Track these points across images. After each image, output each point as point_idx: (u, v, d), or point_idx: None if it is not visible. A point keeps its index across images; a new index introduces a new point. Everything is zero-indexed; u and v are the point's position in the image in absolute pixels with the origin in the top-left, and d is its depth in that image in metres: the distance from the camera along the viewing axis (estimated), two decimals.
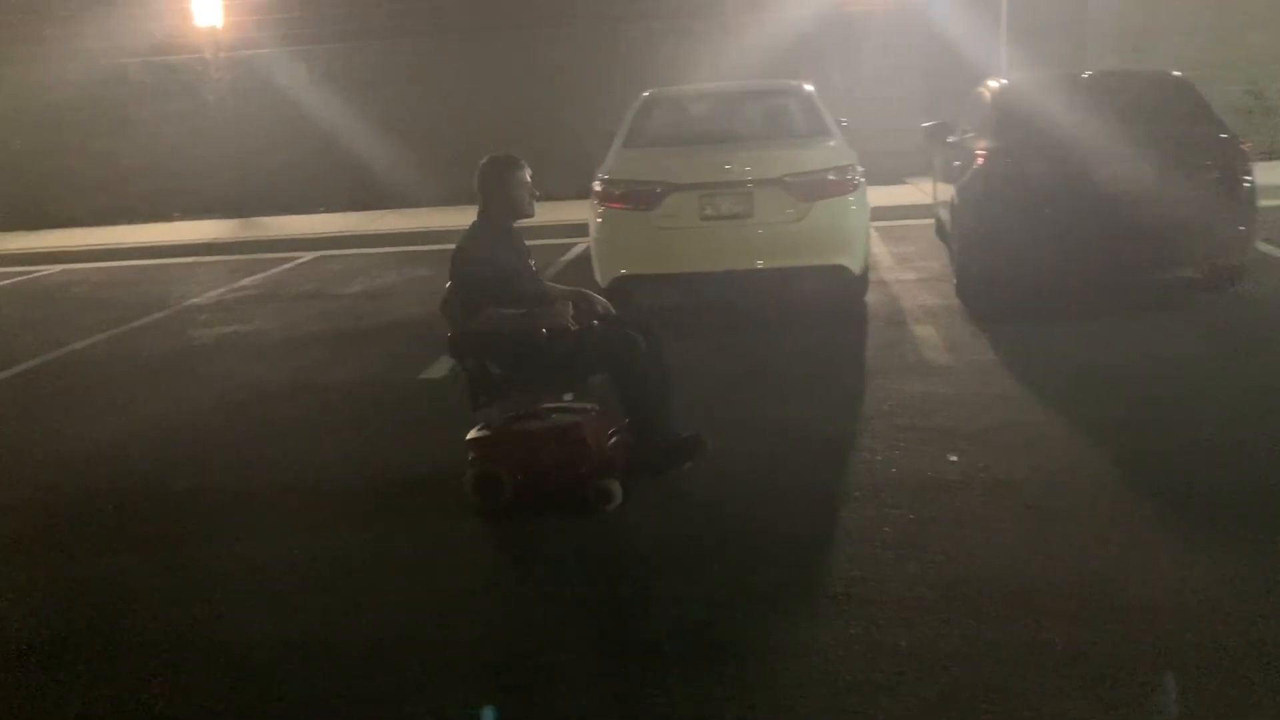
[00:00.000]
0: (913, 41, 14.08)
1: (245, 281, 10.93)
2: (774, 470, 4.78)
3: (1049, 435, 4.98)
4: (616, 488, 4.38)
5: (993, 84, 8.33)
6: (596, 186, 7.40)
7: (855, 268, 7.20)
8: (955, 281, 7.98)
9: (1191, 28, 13.37)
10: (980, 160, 7.37)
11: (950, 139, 8.98)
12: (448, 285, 4.66)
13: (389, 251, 12.29)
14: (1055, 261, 7.15)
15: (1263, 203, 9.88)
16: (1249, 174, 7.03)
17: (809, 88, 8.37)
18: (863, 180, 7.29)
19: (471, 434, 4.56)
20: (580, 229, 8.48)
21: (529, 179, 4.63)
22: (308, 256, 12.34)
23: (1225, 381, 5.64)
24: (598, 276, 7.48)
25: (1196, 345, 6.33)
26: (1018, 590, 3.53)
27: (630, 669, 3.26)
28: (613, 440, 4.60)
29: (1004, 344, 6.52)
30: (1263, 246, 8.45)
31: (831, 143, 7.59)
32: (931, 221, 10.35)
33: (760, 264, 7.10)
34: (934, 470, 4.60)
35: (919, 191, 12.23)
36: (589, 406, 4.67)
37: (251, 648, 3.52)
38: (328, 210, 15.11)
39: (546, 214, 12.52)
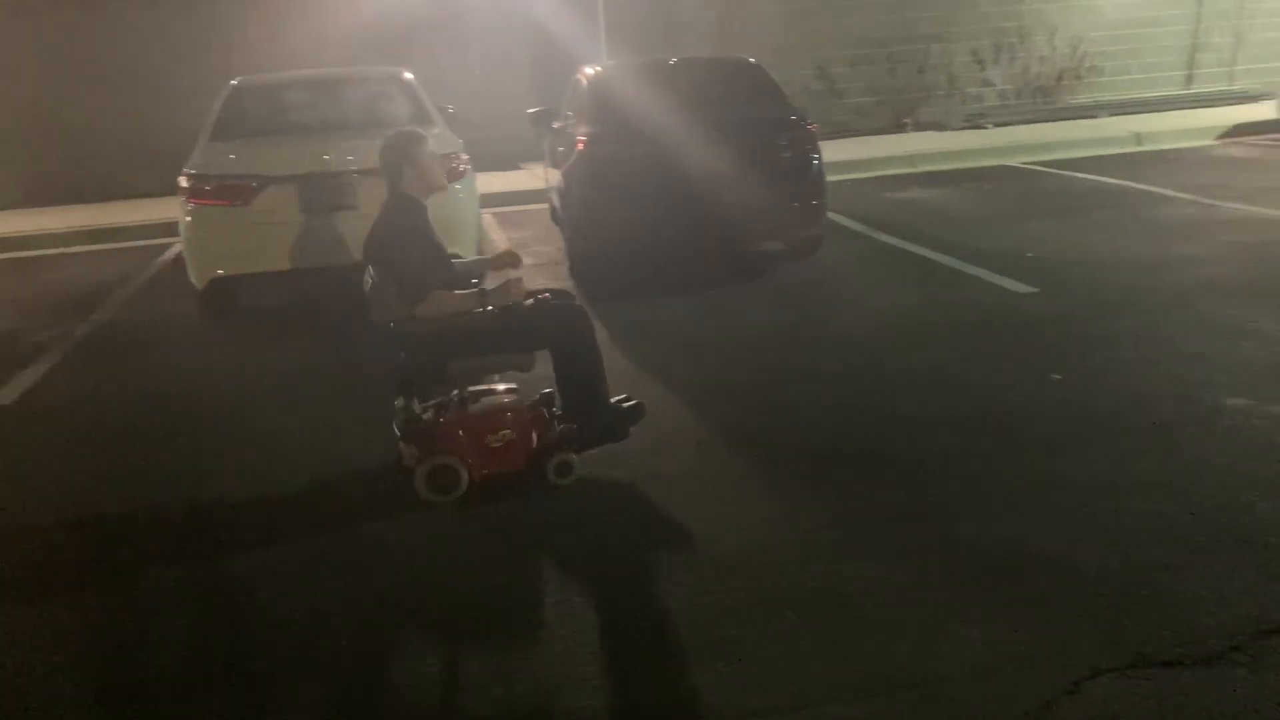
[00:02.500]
0: (520, 28, 14.24)
1: None
2: (381, 471, 4.66)
3: (656, 404, 5.19)
4: (576, 460, 4.27)
5: (588, 71, 8.57)
6: (183, 182, 6.89)
7: (467, 255, 7.16)
8: (568, 264, 8.17)
9: (767, 15, 14.46)
10: (580, 145, 7.56)
11: (555, 124, 9.17)
12: (368, 273, 4.33)
13: None
14: (653, 240, 7.49)
15: (833, 177, 10.98)
16: (817, 152, 7.69)
17: (409, 75, 8.23)
18: (469, 167, 7.27)
19: (411, 427, 4.26)
20: (175, 228, 7.87)
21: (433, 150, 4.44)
22: None
23: (806, 342, 6.15)
24: (193, 279, 6.98)
25: (782, 311, 6.85)
26: (641, 555, 3.66)
27: None
28: (556, 414, 4.45)
29: (614, 322, 6.75)
30: (835, 217, 9.31)
31: (435, 130, 7.49)
32: (547, 205, 10.55)
33: None
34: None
35: (534, 176, 12.42)
36: (513, 385, 4.46)
37: None
38: None
39: (135, 213, 11.76)
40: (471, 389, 4.41)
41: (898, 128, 14.96)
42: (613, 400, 4.52)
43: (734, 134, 7.39)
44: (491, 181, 12.39)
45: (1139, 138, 12.81)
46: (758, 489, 4.22)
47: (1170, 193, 9.62)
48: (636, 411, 4.53)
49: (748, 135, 7.46)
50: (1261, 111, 13.35)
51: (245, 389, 5.94)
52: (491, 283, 4.50)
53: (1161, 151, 12.26)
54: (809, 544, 3.72)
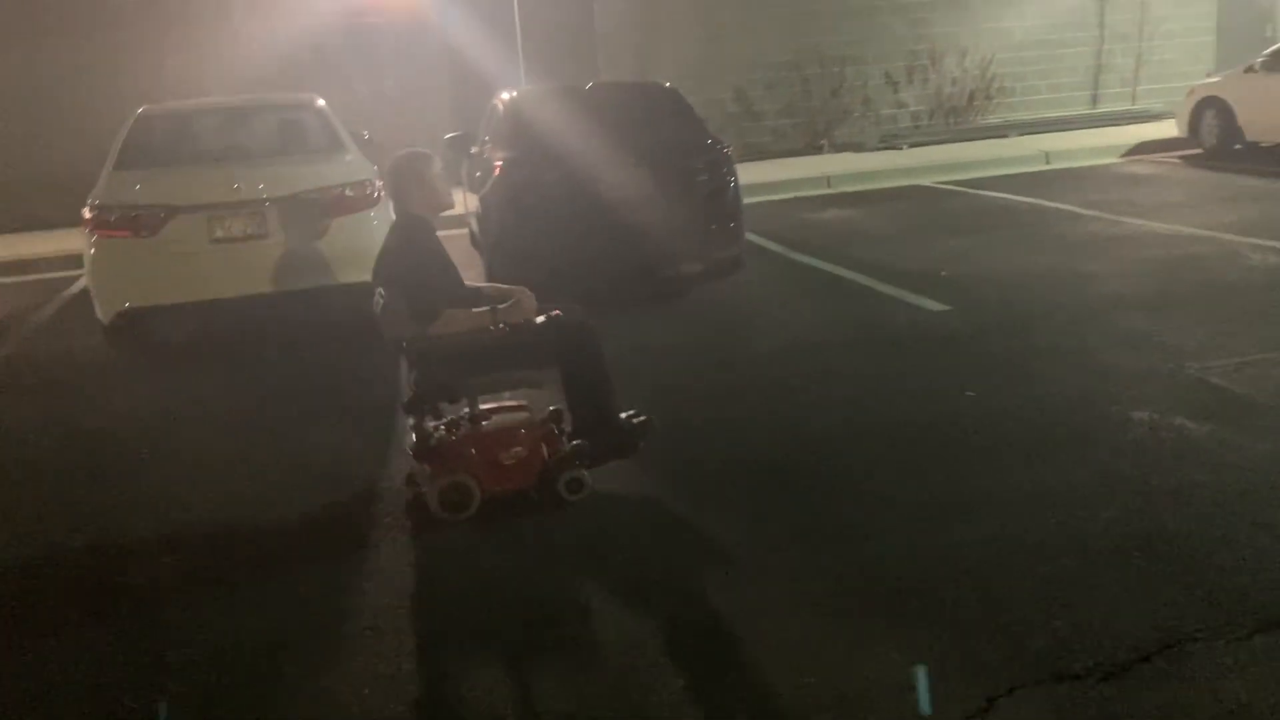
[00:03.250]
0: (438, 54, 14.17)
1: None
2: (302, 502, 4.55)
3: None
4: (587, 476, 4.25)
5: (505, 96, 8.55)
6: (87, 213, 6.72)
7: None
8: None
9: (684, 39, 14.58)
10: (497, 170, 7.53)
11: (473, 150, 9.12)
12: (379, 293, 4.30)
13: None
14: (572, 264, 7.46)
15: (751, 198, 11.06)
16: (734, 174, 7.75)
17: (321, 102, 8.13)
18: (383, 194, 7.18)
19: (423, 445, 4.20)
20: (80, 260, 7.65)
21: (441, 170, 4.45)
22: None
23: (722, 362, 6.16)
24: (99, 312, 6.80)
25: (700, 332, 6.87)
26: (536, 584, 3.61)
27: None
28: (565, 431, 4.40)
29: None
30: (754, 238, 9.38)
31: (348, 157, 7.42)
32: (466, 231, 10.46)
33: (281, 286, 6.77)
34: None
35: (454, 201, 12.31)
36: (523, 402, 4.43)
37: None
38: None
39: (39, 245, 11.41)
40: (482, 406, 4.37)
41: (815, 149, 15.16)
42: (622, 415, 4.49)
43: (651, 158, 7.42)
44: None
45: (1048, 156, 13.13)
46: (670, 510, 4.20)
47: (1078, 210, 9.86)
48: (645, 427, 4.49)
49: (665, 159, 7.49)
50: (1162, 130, 13.78)
51: (155, 424, 5.78)
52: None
53: (1069, 169, 12.59)
54: (721, 565, 3.71)
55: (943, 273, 7.79)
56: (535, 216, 7.26)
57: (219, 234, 6.65)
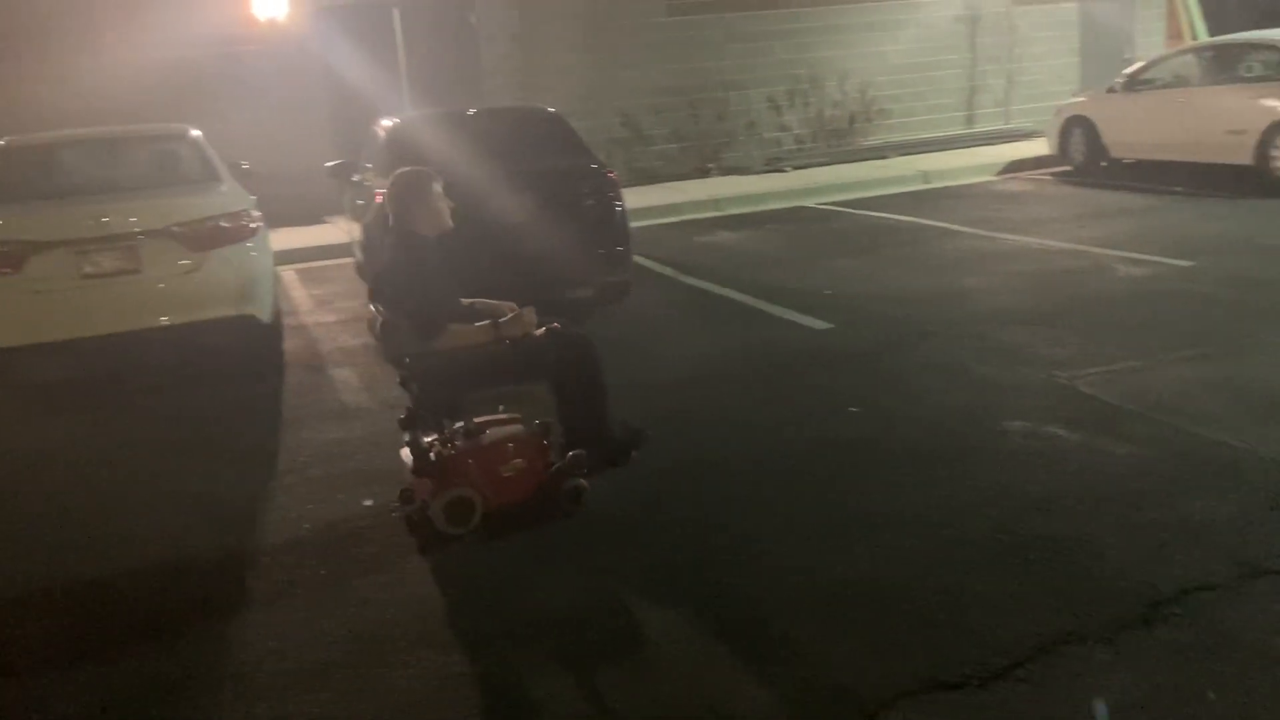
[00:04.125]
0: (319, 81, 13.93)
1: None
2: (181, 542, 4.40)
3: None
4: (586, 485, 4.27)
5: (386, 123, 8.45)
6: None
7: (264, 315, 6.90)
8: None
9: (570, 65, 14.62)
10: (379, 198, 7.41)
11: (355, 178, 8.98)
12: (378, 311, 4.34)
13: None
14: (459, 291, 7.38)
15: (641, 222, 11.12)
16: (620, 199, 7.76)
17: (195, 132, 7.92)
18: (261, 224, 7.02)
19: (424, 461, 4.14)
20: None
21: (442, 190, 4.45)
22: None
23: (609, 386, 6.15)
24: None
25: None
26: (425, 629, 3.54)
27: None
28: (554, 442, 4.39)
29: None
30: (643, 261, 9.43)
31: (223, 187, 7.23)
32: (352, 260, 10.31)
33: (156, 321, 6.55)
34: (348, 518, 4.52)
35: (339, 230, 12.13)
36: (515, 415, 4.39)
37: None
38: None
39: None
40: (476, 420, 4.33)
41: (703, 172, 15.32)
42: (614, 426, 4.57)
43: (536, 184, 7.39)
44: (294, 237, 12.08)
45: (926, 176, 13.50)
46: (562, 542, 4.17)
47: (956, 227, 10.15)
48: (639, 437, 4.59)
49: (550, 185, 7.47)
50: (1033, 148, 14.27)
51: (24, 467, 5.54)
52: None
53: (947, 188, 12.95)
54: (613, 594, 3.69)
55: (827, 291, 7.93)
56: None
57: (88, 269, 6.40)
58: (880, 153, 15.50)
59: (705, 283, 8.67)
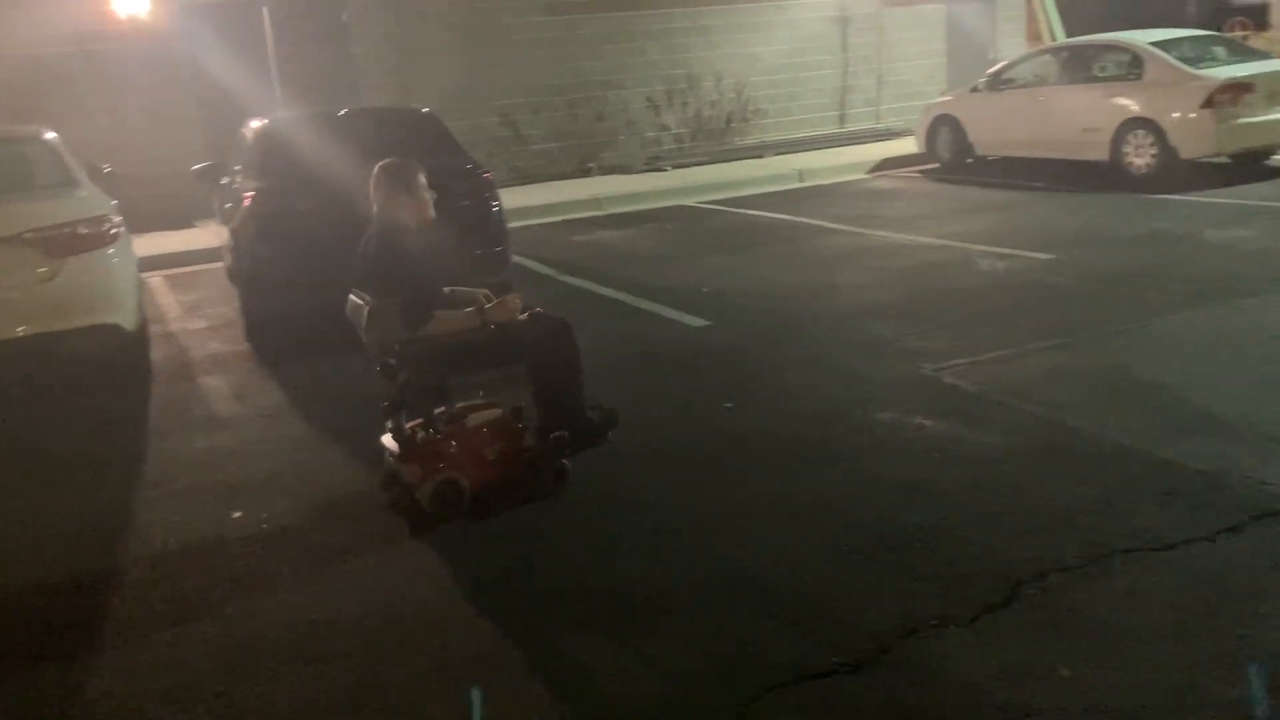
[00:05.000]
0: (187, 82, 13.48)
1: None
2: (34, 562, 4.22)
3: (333, 471, 5.01)
4: (569, 465, 4.34)
5: (254, 124, 8.24)
6: None
7: (128, 324, 6.66)
8: (245, 326, 7.77)
9: (447, 65, 14.47)
10: (247, 201, 7.24)
11: (223, 180, 8.74)
12: (361, 299, 4.38)
13: None
14: (330, 296, 7.22)
15: (520, 222, 11.07)
16: (496, 199, 7.73)
17: (50, 134, 7.59)
18: (123, 229, 6.77)
19: (410, 445, 4.15)
20: None
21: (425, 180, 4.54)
22: None
23: None
24: None
25: None
26: (296, 641, 3.47)
27: None
28: (528, 425, 4.41)
29: (292, 385, 6.48)
30: (523, 261, 9.40)
31: (81, 192, 6.95)
32: (223, 264, 10.02)
33: (12, 332, 6.26)
34: (217, 531, 4.39)
35: (210, 235, 11.78)
36: (493, 400, 4.44)
37: None
38: None
39: None
40: (458, 406, 4.38)
41: (583, 172, 15.33)
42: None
43: None
44: (162, 242, 11.69)
45: (801, 174, 13.75)
46: (431, 544, 4.12)
47: (829, 224, 10.36)
48: (612, 416, 4.71)
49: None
50: (903, 146, 14.65)
51: None
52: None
53: (821, 186, 13.22)
54: (481, 599, 3.67)
55: (704, 289, 8.02)
56: (288, 248, 7.01)
57: None
58: (757, 152, 15.72)
59: (585, 281, 8.68)
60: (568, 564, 3.88)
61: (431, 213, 4.63)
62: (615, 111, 15.65)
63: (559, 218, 12.35)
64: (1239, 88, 10.48)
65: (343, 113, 8.47)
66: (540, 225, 11.81)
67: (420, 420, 4.28)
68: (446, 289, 4.67)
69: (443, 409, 4.33)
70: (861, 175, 13.82)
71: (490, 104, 14.73)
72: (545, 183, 14.64)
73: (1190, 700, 2.81)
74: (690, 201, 12.82)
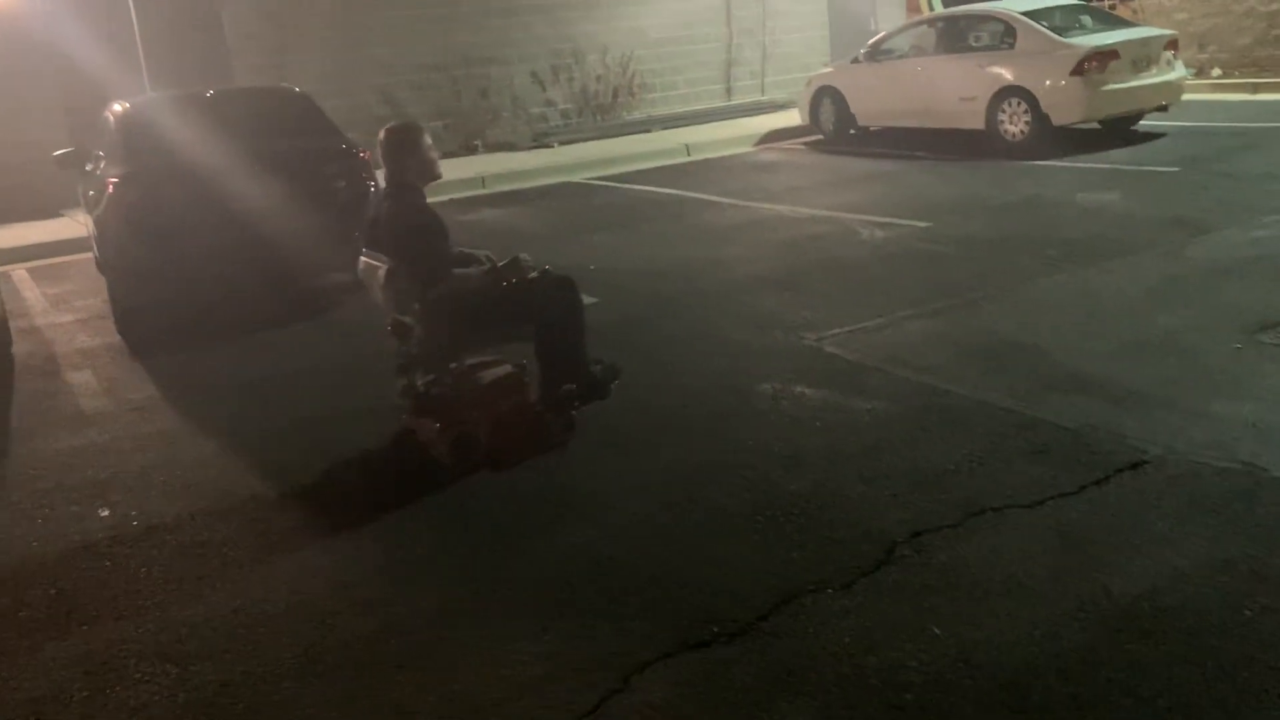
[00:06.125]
0: (45, 67, 12.90)
1: None
2: None
3: (207, 465, 4.86)
4: (575, 418, 4.63)
5: (116, 107, 7.91)
6: None
7: None
8: (114, 316, 7.49)
9: (323, 42, 14.11)
10: (111, 188, 6.96)
11: (87, 167, 8.39)
12: (379, 262, 4.44)
13: None
14: (202, 284, 7.03)
15: None
16: (374, 179, 7.55)
17: None
18: None
19: (426, 400, 4.45)
20: None
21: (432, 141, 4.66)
22: None
23: (366, 375, 5.99)
24: None
25: (346, 345, 6.66)
26: (161, 643, 3.37)
27: None
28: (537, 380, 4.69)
29: (165, 377, 6.27)
30: None
31: None
32: (91, 255, 9.63)
33: None
34: (82, 532, 4.23)
35: (75, 225, 11.32)
36: (498, 358, 4.67)
37: None
38: None
39: None
40: (468, 363, 4.58)
41: (469, 150, 15.13)
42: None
43: (282, 166, 7.11)
44: (25, 233, 11.22)
45: (689, 148, 13.78)
46: (312, 540, 4.03)
47: (715, 198, 10.41)
48: (614, 370, 4.93)
49: (297, 167, 7.20)
50: (788, 118, 14.80)
51: None
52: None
53: (708, 160, 13.26)
54: (360, 589, 3.60)
55: (591, 267, 7.97)
56: (155, 235, 6.76)
57: None
58: (645, 126, 15.72)
59: None
60: (441, 556, 3.82)
61: (439, 172, 4.73)
62: (500, 88, 15.49)
63: (443, 197, 12.13)
64: (1106, 55, 10.80)
65: (210, 94, 8.20)
66: None
67: (433, 377, 4.51)
68: (460, 249, 4.84)
69: (454, 365, 4.54)
70: (748, 148, 13.91)
71: (371, 82, 14.43)
72: None
73: (1052, 649, 2.90)
74: (577, 178, 12.76)
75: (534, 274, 4.68)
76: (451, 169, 13.48)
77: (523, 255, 4.68)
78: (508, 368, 4.64)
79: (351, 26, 14.37)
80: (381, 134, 4.64)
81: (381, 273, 4.46)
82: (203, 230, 6.83)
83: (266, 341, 6.85)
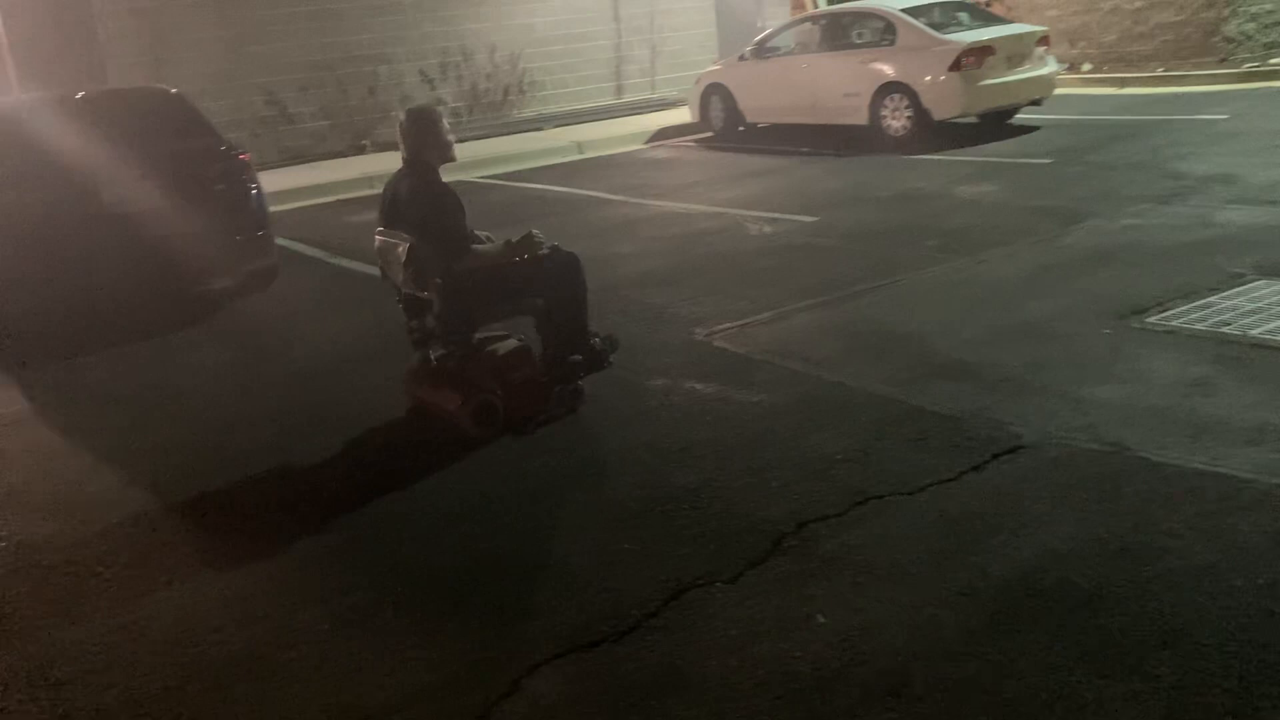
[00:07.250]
0: None
1: None
2: None
3: (88, 480, 4.70)
4: (583, 387, 4.88)
5: None
6: None
7: None
8: None
9: (203, 42, 13.73)
10: None
11: None
12: (398, 239, 4.65)
13: None
14: (74, 296, 6.76)
15: (290, 204, 10.70)
16: (255, 181, 7.39)
17: None
18: None
19: (446, 372, 4.71)
20: None
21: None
22: None
23: (253, 380, 5.88)
24: None
25: (233, 350, 6.52)
26: (42, 661, 3.24)
27: None
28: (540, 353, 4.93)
29: (37, 389, 6.04)
30: (293, 245, 9.07)
31: None
32: None
33: None
34: None
35: None
36: (504, 332, 4.92)
37: None
38: None
39: None
40: (480, 336, 4.81)
41: (358, 149, 14.88)
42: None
43: (156, 170, 6.88)
44: None
45: (580, 146, 13.77)
46: (195, 556, 3.93)
47: (608, 195, 10.43)
48: (613, 342, 5.13)
49: (172, 170, 6.97)
50: (679, 116, 14.90)
51: None
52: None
53: (600, 158, 13.28)
54: (247, 603, 3.52)
55: None
56: (18, 248, 6.48)
57: None
58: (536, 125, 15.66)
59: (357, 263, 8.42)
60: (329, 565, 3.76)
61: (454, 154, 4.88)
62: (388, 86, 15.26)
63: (331, 198, 11.97)
64: (982, 51, 11.12)
65: (79, 95, 7.88)
66: (312, 206, 11.43)
67: (445, 351, 4.73)
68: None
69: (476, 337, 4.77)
70: (639, 146, 13.96)
71: (253, 82, 14.11)
72: (317, 162, 14.16)
73: (934, 633, 2.98)
74: (469, 176, 12.61)
75: (544, 250, 4.84)
76: (339, 170, 13.32)
77: (535, 231, 4.84)
78: (514, 341, 4.88)
79: (232, 24, 14.01)
80: (402, 115, 4.85)
81: (402, 249, 4.66)
82: (71, 238, 6.58)
83: (146, 351, 6.64)
